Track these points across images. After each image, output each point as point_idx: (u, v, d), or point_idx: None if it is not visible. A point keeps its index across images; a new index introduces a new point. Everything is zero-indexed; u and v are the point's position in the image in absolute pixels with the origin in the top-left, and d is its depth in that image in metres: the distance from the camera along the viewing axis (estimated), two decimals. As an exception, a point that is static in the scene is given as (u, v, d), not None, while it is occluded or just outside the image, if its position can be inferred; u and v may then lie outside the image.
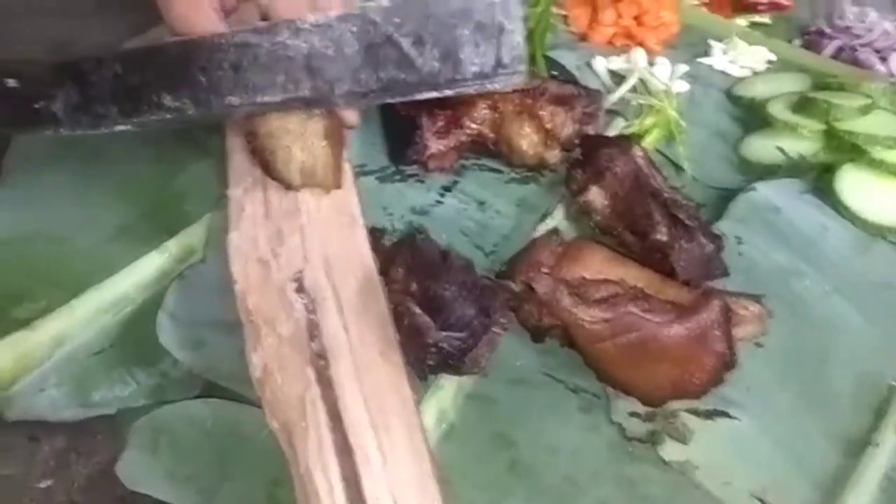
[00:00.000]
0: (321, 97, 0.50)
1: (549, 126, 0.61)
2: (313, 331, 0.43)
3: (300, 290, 0.45)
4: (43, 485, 0.43)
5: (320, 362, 0.42)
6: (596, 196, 0.56)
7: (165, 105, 0.48)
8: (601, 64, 0.74)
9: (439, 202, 0.62)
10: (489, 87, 0.51)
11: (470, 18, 0.49)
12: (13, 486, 0.43)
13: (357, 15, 0.49)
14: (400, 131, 0.64)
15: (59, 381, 0.47)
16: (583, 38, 0.81)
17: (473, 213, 0.61)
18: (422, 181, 0.63)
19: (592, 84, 0.72)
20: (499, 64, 0.50)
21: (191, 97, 0.49)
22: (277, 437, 0.40)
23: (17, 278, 0.51)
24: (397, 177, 0.64)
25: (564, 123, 0.61)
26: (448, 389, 0.47)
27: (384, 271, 0.49)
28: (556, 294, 0.44)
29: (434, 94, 0.51)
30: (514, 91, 0.62)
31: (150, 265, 0.52)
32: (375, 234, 0.53)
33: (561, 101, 0.62)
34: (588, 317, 0.43)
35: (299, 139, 0.50)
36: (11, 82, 0.48)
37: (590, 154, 0.58)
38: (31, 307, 0.49)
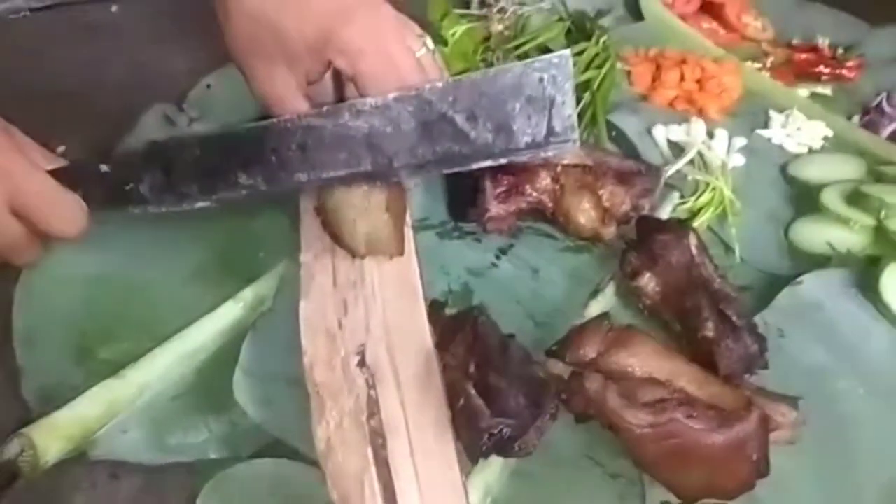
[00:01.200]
0: (381, 171, 0.54)
1: (607, 204, 0.64)
2: (373, 407, 0.46)
3: (362, 363, 0.49)
4: (121, 522, 0.47)
5: (378, 440, 0.45)
6: (648, 282, 0.59)
7: (240, 183, 0.53)
8: (661, 133, 0.76)
9: (494, 265, 0.65)
10: (542, 154, 0.55)
11: (521, 94, 0.52)
12: (95, 522, 0.47)
13: (413, 96, 0.52)
14: (463, 190, 0.67)
15: (139, 424, 0.51)
16: (645, 97, 0.83)
17: (527, 280, 0.64)
18: (479, 240, 0.66)
19: (651, 153, 0.74)
20: (551, 133, 0.53)
21: (263, 175, 0.53)
22: (337, 505, 0.44)
23: (103, 319, 0.56)
24: (456, 233, 0.67)
25: (623, 201, 0.64)
26: (494, 466, 0.50)
27: (442, 345, 0.52)
28: (606, 393, 0.47)
29: (489, 163, 0.55)
30: (577, 166, 0.65)
31: (225, 315, 0.57)
32: (435, 306, 0.56)
33: (621, 178, 0.64)
34: (635, 420, 0.46)
35: (363, 212, 0.54)
36: (104, 167, 0.53)
37: (645, 238, 0.61)
38: (117, 348, 0.54)
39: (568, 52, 0.53)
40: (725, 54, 0.88)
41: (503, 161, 0.54)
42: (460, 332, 0.52)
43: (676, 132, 0.76)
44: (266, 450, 0.51)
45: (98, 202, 0.52)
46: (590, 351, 0.53)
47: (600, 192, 0.63)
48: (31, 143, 0.51)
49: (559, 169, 0.65)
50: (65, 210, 0.50)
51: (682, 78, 0.84)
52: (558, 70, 0.52)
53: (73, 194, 0.51)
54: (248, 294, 0.58)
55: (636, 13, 0.96)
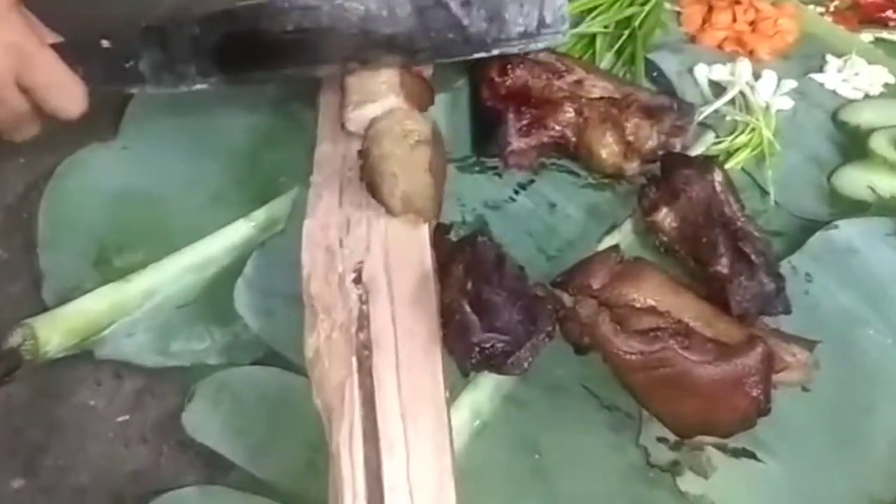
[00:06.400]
0: (375, 57, 0.55)
1: (630, 138, 0.61)
2: (363, 321, 0.46)
3: (358, 280, 0.48)
4: (121, 419, 0.49)
5: (364, 352, 0.45)
6: (665, 217, 0.56)
7: (237, 66, 0.55)
8: (702, 72, 0.72)
9: (512, 199, 0.63)
10: (532, 46, 0.56)
11: None
12: (97, 417, 0.49)
13: None
14: (486, 123, 0.66)
15: (145, 328, 0.53)
16: (693, 39, 0.79)
17: (543, 214, 0.62)
18: (499, 175, 0.65)
19: (691, 93, 0.71)
20: (542, 24, 0.55)
21: (257, 59, 0.54)
22: (320, 413, 0.44)
23: (121, 231, 0.58)
24: (477, 168, 0.66)
25: (649, 136, 0.61)
26: (485, 389, 0.50)
27: (444, 267, 0.51)
28: (598, 318, 0.46)
29: (482, 55, 0.56)
30: (602, 98, 0.62)
31: (237, 232, 0.57)
32: (442, 229, 0.55)
33: (649, 113, 0.62)
34: (625, 347, 0.44)
35: (405, 168, 0.53)
36: (105, 43, 0.54)
37: (668, 173, 0.58)
38: (130, 257, 0.56)
39: None
40: (784, -2, 0.83)
41: (495, 52, 0.55)
42: (460, 253, 0.51)
43: (720, 71, 0.72)
44: (263, 360, 0.51)
45: (97, 80, 0.54)
46: (594, 282, 0.51)
47: (625, 123, 0.61)
48: (35, 20, 0.52)
49: (583, 101, 0.63)
50: (68, 88, 0.52)
51: (734, 19, 0.79)
52: None
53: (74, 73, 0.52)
54: (260, 214, 0.59)
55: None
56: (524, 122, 0.64)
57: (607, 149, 0.62)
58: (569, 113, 0.63)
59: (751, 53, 0.76)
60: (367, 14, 0.53)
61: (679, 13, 0.81)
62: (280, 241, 0.57)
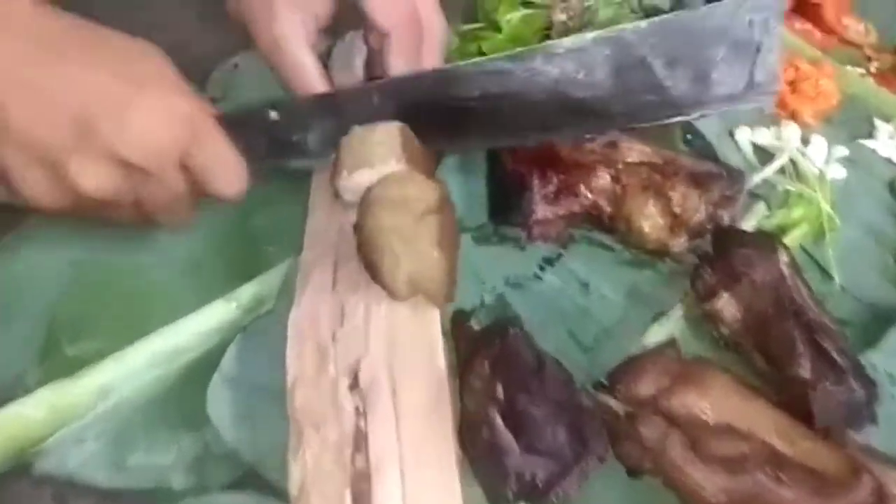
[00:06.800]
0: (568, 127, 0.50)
1: (677, 209, 0.53)
2: (360, 441, 0.37)
3: (354, 385, 0.39)
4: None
5: (362, 483, 0.35)
6: (727, 305, 0.48)
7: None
8: (745, 135, 0.65)
9: (538, 276, 0.55)
10: (738, 107, 0.49)
11: (726, 36, 0.46)
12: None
13: (611, 37, 0.46)
14: (506, 188, 0.57)
15: (97, 434, 0.43)
16: (726, 98, 0.72)
17: (576, 296, 0.53)
18: (522, 248, 0.56)
19: (732, 158, 0.63)
20: (751, 84, 0.47)
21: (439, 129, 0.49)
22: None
23: (76, 311, 0.48)
24: (495, 239, 0.57)
25: (697, 208, 0.53)
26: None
27: (466, 364, 0.42)
28: (668, 442, 0.36)
29: (678, 119, 0.49)
30: (642, 164, 0.54)
31: (214, 315, 0.48)
32: (458, 318, 0.46)
33: (696, 181, 0.54)
34: (706, 482, 0.35)
35: (410, 243, 0.43)
36: (273, 114, 0.47)
37: (723, 251, 0.50)
38: (85, 345, 0.46)
39: None
40: (823, 56, 0.77)
41: (694, 116, 0.49)
42: (487, 347, 0.42)
43: (764, 135, 0.65)
44: (241, 481, 0.41)
45: (258, 155, 0.47)
46: (649, 387, 0.42)
47: (671, 193, 0.53)
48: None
49: (620, 166, 0.55)
50: (231, 167, 0.44)
51: (772, 79, 0.72)
52: (771, 12, 0.46)
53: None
54: (244, 292, 0.49)
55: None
56: (551, 187, 0.55)
57: (650, 221, 0.53)
58: (603, 179, 0.55)
59: (792, 115, 0.69)
60: (561, 76, 0.47)
61: (710, 70, 0.75)
62: (266, 324, 0.48)
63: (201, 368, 0.46)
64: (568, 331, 0.51)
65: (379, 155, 0.47)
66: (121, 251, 0.52)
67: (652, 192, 0.53)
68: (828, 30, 0.85)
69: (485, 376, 0.41)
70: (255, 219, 0.55)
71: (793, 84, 0.72)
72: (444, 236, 0.45)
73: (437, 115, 0.48)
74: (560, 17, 0.78)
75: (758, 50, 0.46)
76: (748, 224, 0.57)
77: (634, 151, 0.56)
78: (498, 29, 0.72)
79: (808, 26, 0.86)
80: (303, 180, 0.54)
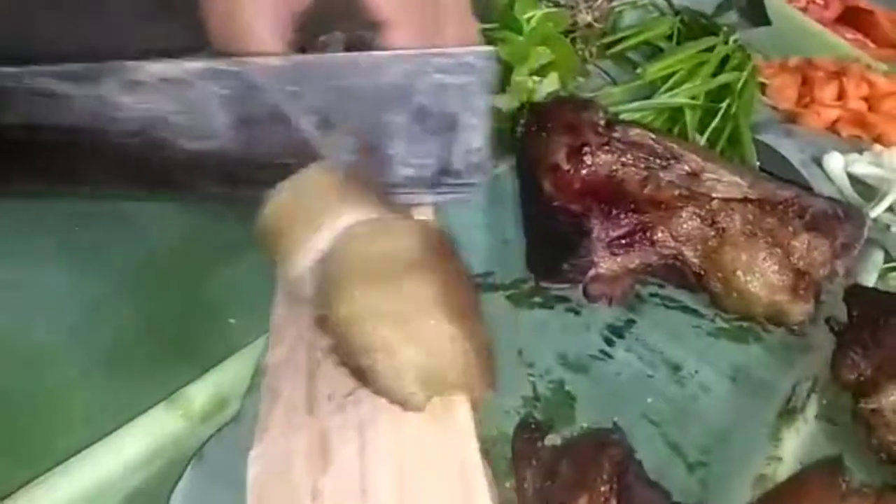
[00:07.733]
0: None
1: (799, 263, 0.39)
2: None
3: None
4: None
5: None
6: (891, 403, 0.34)
7: None
8: (838, 164, 0.52)
9: (606, 354, 0.40)
10: (428, 199, 0.35)
11: (407, 101, 0.33)
12: None
13: (230, 71, 0.31)
14: (553, 232, 0.43)
15: None
16: (791, 118, 0.59)
17: (663, 381, 0.39)
18: (576, 312, 0.42)
19: (826, 191, 0.50)
20: (446, 171, 0.35)
21: None
22: None
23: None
24: (539, 300, 0.42)
25: (825, 263, 0.39)
26: None
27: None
28: None
29: None
30: (753, 201, 0.40)
31: (152, 429, 0.32)
32: (530, 430, 0.31)
33: (818, 225, 0.40)
34: None
35: (407, 327, 0.27)
36: None
37: (871, 322, 0.36)
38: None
39: (492, 48, 0.32)
40: (892, 69, 0.65)
41: None
42: (587, 485, 0.27)
43: (860, 164, 0.52)
44: None
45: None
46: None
47: (792, 244, 0.39)
48: None
49: (714, 205, 0.41)
50: None
51: (841, 94, 0.60)
52: (475, 74, 0.32)
53: None
54: (196, 392, 0.33)
55: (754, 18, 0.74)
56: (618, 231, 0.41)
57: (762, 279, 0.39)
58: (691, 221, 0.41)
59: (879, 138, 0.57)
60: (152, 115, 0.32)
61: (763, 85, 0.62)
62: (230, 438, 0.32)
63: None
64: (665, 438, 0.36)
65: (322, 210, 0.31)
66: (28, 327, 0.35)
67: (763, 241, 0.39)
68: (882, 39, 0.74)
69: None
70: (207, 285, 0.39)
71: (867, 100, 0.60)
72: (450, 295, 0.28)
73: None
74: (585, 17, 0.65)
75: (453, 126, 0.33)
76: (869, 279, 0.44)
77: (722, 183, 0.42)
78: (518, 30, 0.58)
79: (859, 36, 0.75)
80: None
